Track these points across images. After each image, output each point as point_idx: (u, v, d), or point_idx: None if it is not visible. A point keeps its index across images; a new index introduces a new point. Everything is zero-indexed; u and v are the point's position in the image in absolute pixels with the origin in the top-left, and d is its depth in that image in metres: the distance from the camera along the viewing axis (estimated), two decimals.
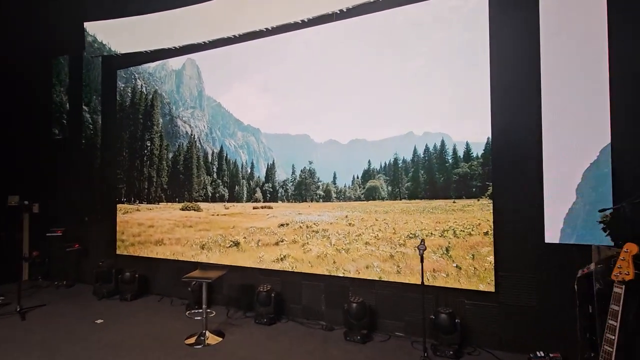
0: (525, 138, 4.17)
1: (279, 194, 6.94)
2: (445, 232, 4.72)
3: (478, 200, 4.69)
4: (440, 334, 4.24)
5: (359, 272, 5.28)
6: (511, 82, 4.25)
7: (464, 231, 4.59)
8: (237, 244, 6.40)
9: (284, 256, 5.26)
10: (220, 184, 7.58)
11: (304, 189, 6.98)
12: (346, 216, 6.27)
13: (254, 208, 6.78)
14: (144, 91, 8.57)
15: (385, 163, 6.55)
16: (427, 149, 5.81)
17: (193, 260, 6.96)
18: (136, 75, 8.67)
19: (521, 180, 4.35)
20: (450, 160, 5.22)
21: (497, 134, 4.63)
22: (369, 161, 6.66)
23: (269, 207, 7.15)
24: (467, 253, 4.72)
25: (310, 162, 7.18)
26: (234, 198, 7.05)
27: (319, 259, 5.71)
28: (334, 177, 7.20)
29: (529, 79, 4.02)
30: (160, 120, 8.57)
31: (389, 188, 6.30)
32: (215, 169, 7.42)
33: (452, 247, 4.77)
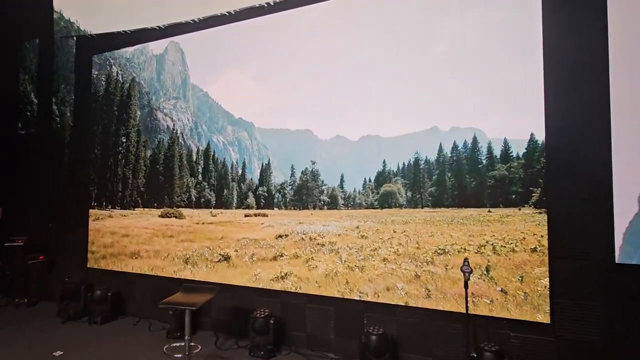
0: (589, 136, 3.48)
1: (276, 200, 5.98)
2: (482, 247, 3.62)
3: (519, 209, 3.64)
4: None
5: (377, 295, 4.58)
6: (571, 68, 3.56)
7: (505, 247, 3.56)
8: (227, 258, 5.29)
9: (285, 274, 4.16)
10: (206, 186, 6.52)
11: (306, 193, 6.01)
12: (357, 227, 5.25)
13: (245, 216, 5.70)
14: (120, 79, 7.67)
15: (403, 164, 5.63)
16: (455, 147, 4.90)
17: (176, 276, 6.27)
18: (111, 60, 7.75)
19: (583, 186, 3.62)
20: (484, 161, 4.25)
21: (552, 130, 3.90)
22: (384, 161, 5.75)
23: (264, 215, 6.15)
24: (513, 274, 4.06)
25: (313, 162, 6.23)
26: (222, 204, 6.01)
27: (327, 278, 5.07)
28: (342, 180, 6.31)
29: (595, 64, 3.34)
30: (138, 112, 7.68)
31: (408, 194, 5.35)
32: (200, 170, 6.39)
33: (492, 267, 4.19)
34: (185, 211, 6.31)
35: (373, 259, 4.43)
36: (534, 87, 3.66)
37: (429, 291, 4.23)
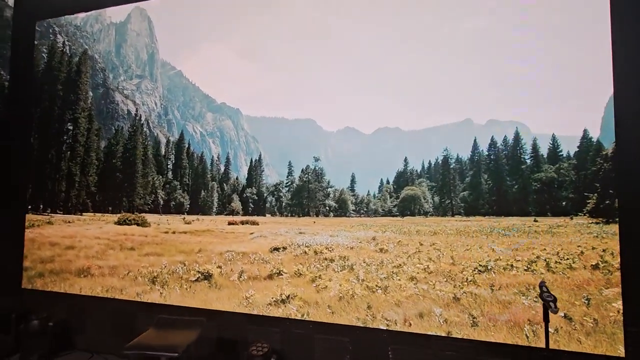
0: None
1: (268, 204, 4.94)
2: (533, 264, 2.49)
3: (571, 218, 2.55)
4: None
5: (409, 323, 3.78)
6: None
7: (560, 263, 2.52)
8: (208, 276, 4.03)
9: (288, 296, 4.44)
10: (178, 187, 5.30)
11: (307, 197, 5.11)
12: (374, 238, 4.23)
13: (230, 223, 4.46)
14: (67, 52, 6.34)
15: (429, 163, 4.81)
16: (493, 143, 4.08)
17: (140, 300, 5.11)
18: (56, 28, 6.42)
19: None
20: (528, 161, 3.32)
21: (625, 125, 3.15)
22: (405, 159, 4.88)
23: (253, 223, 5.05)
24: (576, 296, 3.38)
25: (317, 159, 5.30)
26: (199, 208, 4.95)
27: (342, 301, 4.22)
28: (352, 182, 5.42)
29: None
30: (90, 93, 6.37)
31: (436, 199, 4.53)
32: (170, 166, 5.18)
33: (550, 288, 3.17)
34: (150, 217, 4.99)
35: (398, 277, 3.42)
36: (594, 76, 2.70)
37: (474, 317, 3.57)
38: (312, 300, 4.21)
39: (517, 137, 3.83)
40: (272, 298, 4.43)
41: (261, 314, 4.46)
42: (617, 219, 3.28)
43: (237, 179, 4.76)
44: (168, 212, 5.00)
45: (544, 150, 3.38)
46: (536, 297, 3.54)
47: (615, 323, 3.19)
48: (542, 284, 2.86)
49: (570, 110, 3.28)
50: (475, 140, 3.70)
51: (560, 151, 3.52)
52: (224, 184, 4.84)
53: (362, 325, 4.02)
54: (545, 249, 3.39)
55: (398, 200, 4.16)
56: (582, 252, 3.25)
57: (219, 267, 4.63)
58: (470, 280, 3.60)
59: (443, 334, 3.67)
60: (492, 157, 4.03)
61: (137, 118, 5.26)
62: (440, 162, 3.97)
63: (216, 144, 4.97)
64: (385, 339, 3.91)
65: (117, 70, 5.36)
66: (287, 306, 4.23)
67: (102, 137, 5.37)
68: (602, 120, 3.75)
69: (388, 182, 4.50)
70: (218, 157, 4.97)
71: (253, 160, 4.70)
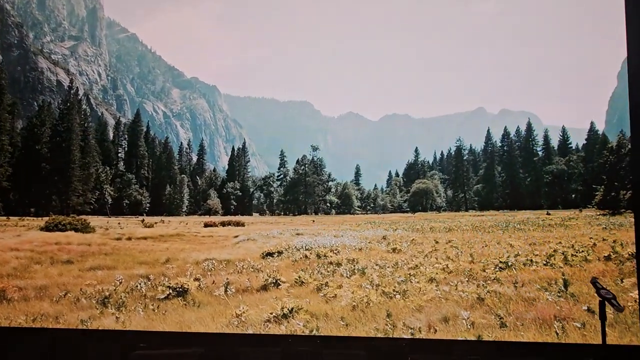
0: None
1: (256, 201, 3.56)
2: (551, 258, 1.91)
3: (580, 210, 2.00)
4: None
5: (434, 330, 3.20)
6: None
7: (576, 256, 2.03)
8: (182, 291, 2.75)
9: (290, 310, 3.44)
10: (134, 181, 3.62)
11: (303, 192, 4.19)
12: (384, 237, 3.37)
13: (206, 225, 3.07)
14: None
15: (441, 153, 4.22)
16: (506, 134, 3.57)
17: (87, 327, 3.44)
18: None
19: None
20: (540, 153, 2.69)
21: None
22: (416, 150, 4.18)
23: (238, 224, 4.02)
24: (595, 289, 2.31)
25: (315, 148, 4.66)
26: (163, 208, 3.35)
27: (356, 311, 3.50)
28: (357, 174, 4.65)
29: None
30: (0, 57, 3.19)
31: (449, 192, 3.82)
32: (122, 155, 3.47)
33: (570, 281, 3.44)
34: (94, 220, 3.46)
35: (416, 279, 2.73)
36: (605, 69, 2.00)
37: (501, 318, 3.21)
38: (320, 313, 3.36)
39: (529, 128, 3.26)
40: (271, 313, 3.44)
41: (259, 332, 3.50)
42: (631, 210, 2.69)
43: (214, 170, 3.38)
44: (119, 212, 3.44)
45: (554, 142, 2.73)
46: (559, 292, 2.93)
47: (634, 313, 2.94)
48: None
49: (578, 103, 2.52)
50: (488, 131, 2.90)
51: (570, 143, 2.99)
52: (197, 178, 3.36)
53: (378, 335, 3.31)
54: (560, 242, 2.89)
55: (409, 194, 3.14)
56: (594, 244, 2.81)
57: (197, 279, 3.47)
58: (494, 279, 2.96)
59: (473, 338, 3.11)
60: (505, 148, 3.43)
61: (73, 92, 3.54)
62: (454, 153, 3.05)
63: (185, 127, 3.39)
64: (404, 348, 3.11)
65: (39, 28, 3.41)
66: (291, 322, 3.26)
67: (19, 116, 3.44)
68: (607, 114, 3.26)
69: (397, 175, 3.68)
70: (189, 145, 3.44)
71: (236, 149, 3.29)
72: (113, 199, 4.15)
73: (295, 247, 4.05)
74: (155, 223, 4.21)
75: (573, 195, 3.99)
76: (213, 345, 3.75)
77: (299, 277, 3.85)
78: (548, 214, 4.02)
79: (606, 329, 3.36)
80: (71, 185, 3.78)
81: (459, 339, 3.39)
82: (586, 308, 3.43)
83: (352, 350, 3.57)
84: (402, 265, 3.74)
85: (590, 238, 3.59)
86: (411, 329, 3.57)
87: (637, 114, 3.20)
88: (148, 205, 4.13)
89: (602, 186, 4.55)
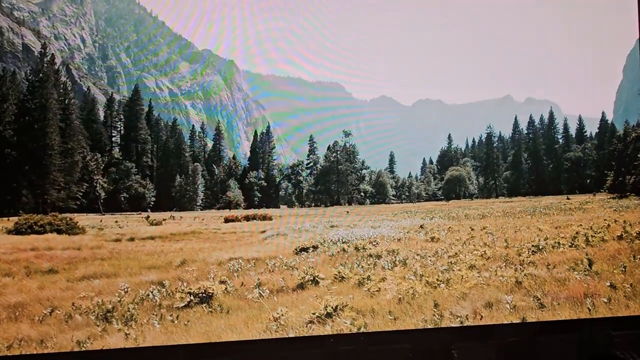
0: None
1: (283, 191, 2.79)
2: (575, 239, 1.90)
3: (594, 195, 2.03)
4: None
5: (480, 316, 2.86)
6: None
7: (595, 237, 2.08)
8: (206, 297, 2.07)
9: (335, 308, 2.94)
10: (134, 170, 2.57)
11: (335, 180, 3.62)
12: (422, 226, 3.04)
13: (227, 220, 2.27)
14: None
15: (473, 140, 3.91)
16: (531, 122, 3.38)
17: (86, 348, 2.56)
18: None
19: None
20: (560, 140, 2.56)
21: None
22: (449, 136, 3.76)
23: (264, 218, 3.34)
24: (614, 265, 3.10)
25: (347, 134, 4.26)
26: (173, 202, 2.41)
27: (403, 303, 3.07)
28: (391, 162, 4.25)
29: None
30: None
31: (480, 179, 3.48)
32: (118, 138, 2.43)
33: (593, 260, 3.21)
34: (83, 219, 2.50)
35: (457, 267, 2.42)
36: (613, 62, 1.88)
37: (538, 299, 3.00)
38: (366, 308, 2.92)
39: (551, 117, 3.02)
40: (313, 314, 2.87)
41: (301, 335, 2.90)
42: (634, 194, 2.62)
43: (234, 158, 2.54)
44: (116, 208, 2.58)
45: (572, 131, 2.58)
46: (585, 271, 3.26)
47: None
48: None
49: (592, 94, 2.33)
50: (515, 119, 2.54)
51: (585, 131, 2.84)
52: (214, 166, 2.50)
53: (427, 327, 2.88)
54: (581, 225, 2.81)
55: (443, 182, 2.63)
56: (608, 225, 2.79)
57: (222, 282, 2.78)
58: (529, 262, 2.73)
59: (517, 321, 2.83)
60: (530, 136, 3.17)
61: (47, 59, 2.35)
62: (484, 140, 2.62)
63: (197, 108, 2.50)
64: (447, 338, 2.78)
65: None
66: (336, 320, 2.72)
67: None
68: (614, 104, 3.21)
69: (431, 162, 3.21)
70: (202, 128, 2.52)
71: (259, 133, 2.45)
72: (107, 192, 3.24)
73: (332, 240, 3.60)
74: (164, 220, 3.42)
75: (588, 181, 4.26)
76: (248, 353, 3.06)
77: (339, 272, 3.38)
78: (568, 198, 4.29)
79: (628, 302, 3.29)
80: (48, 177, 2.80)
81: (492, 324, 3.04)
82: (609, 284, 3.51)
83: (397, 345, 3.17)
84: (442, 254, 3.50)
85: (605, 220, 3.83)
86: (459, 317, 3.31)
87: None
88: (153, 199, 3.29)
89: (612, 172, 5.04)
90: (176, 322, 3.33)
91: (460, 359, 3.28)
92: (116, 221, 3.82)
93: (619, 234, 4.28)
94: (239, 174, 5.16)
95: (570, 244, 4.06)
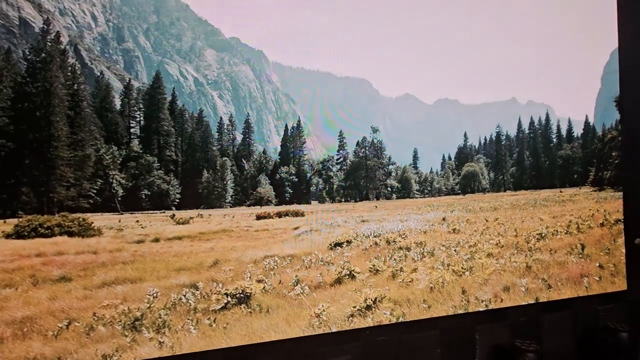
0: None
1: (314, 187, 2.78)
2: (569, 227, 2.35)
3: (580, 188, 2.63)
4: None
5: (500, 299, 3.02)
6: None
7: (584, 224, 2.56)
8: (244, 297, 1.93)
9: (374, 300, 2.87)
10: (156, 165, 2.30)
11: (364, 176, 3.48)
12: (444, 219, 3.14)
13: (259, 217, 2.18)
14: None
15: (485, 139, 4.07)
16: (532, 123, 3.66)
17: None
18: None
19: None
20: (554, 140, 3.08)
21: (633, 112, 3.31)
22: (465, 134, 3.96)
23: (297, 214, 3.06)
24: (600, 249, 3.35)
25: (375, 130, 3.98)
26: (200, 199, 2.29)
27: (434, 292, 3.05)
28: (415, 158, 4.04)
29: None
30: None
31: (491, 175, 3.74)
32: (138, 129, 2.09)
33: (584, 245, 3.43)
34: (98, 219, 2.10)
35: (478, 256, 2.53)
36: (595, 71, 2.42)
37: (545, 281, 3.21)
38: (402, 299, 2.80)
39: (547, 119, 3.24)
40: (354, 307, 2.69)
41: (343, 329, 2.81)
42: (610, 187, 3.09)
43: (264, 153, 2.30)
44: (136, 207, 2.15)
45: (563, 131, 2.81)
46: (579, 254, 3.50)
47: (620, 264, 3.33)
48: None
49: (580, 98, 2.70)
50: (519, 120, 2.78)
51: (573, 132, 3.12)
52: (243, 161, 2.26)
53: (453, 313, 2.98)
54: (572, 214, 3.02)
55: (459, 177, 2.72)
56: (593, 214, 3.04)
57: (260, 281, 2.50)
58: (536, 248, 2.89)
59: (532, 301, 3.05)
60: (531, 135, 3.36)
61: (51, 37, 1.83)
62: (494, 138, 2.80)
63: (225, 100, 2.24)
64: (470, 322, 2.92)
65: None
66: (376, 312, 2.60)
67: None
68: (595, 109, 3.62)
69: (450, 158, 3.20)
70: (231, 121, 2.23)
71: (289, 127, 2.28)
72: (125, 189, 2.64)
73: (364, 234, 3.39)
74: (191, 218, 2.91)
75: (575, 176, 4.56)
76: (290, 352, 2.82)
77: (373, 265, 3.22)
78: (561, 191, 4.52)
79: (614, 279, 3.54)
80: (54, 172, 2.22)
81: (532, 302, 3.12)
82: (598, 265, 3.80)
83: (426, 332, 3.13)
84: (463, 244, 3.50)
85: (590, 210, 4.09)
86: (483, 301, 3.39)
87: (622, 109, 3.38)
88: (178, 196, 2.76)
89: (594, 168, 5.47)
90: (214, 325, 2.95)
91: (481, 339, 3.30)
92: (137, 220, 3.20)
93: (601, 222, 4.73)
94: (269, 170, 4.48)
95: (565, 232, 4.41)
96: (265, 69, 3.02)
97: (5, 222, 2.38)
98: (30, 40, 2.32)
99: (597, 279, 4.58)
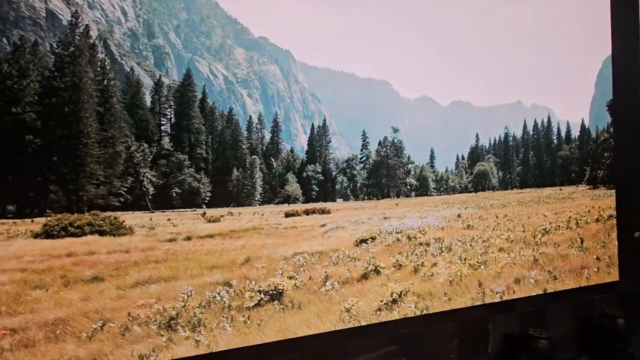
0: None
1: (339, 185, 2.87)
2: (569, 222, 2.64)
3: (577, 186, 4.20)
4: None
5: (512, 291, 3.10)
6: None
7: (581, 220, 2.82)
8: (276, 294, 1.95)
9: (400, 294, 2.84)
10: (187, 163, 2.21)
11: (385, 174, 3.37)
12: (459, 215, 3.23)
13: (287, 215, 2.17)
14: None
15: (494, 139, 4.10)
16: (535, 124, 3.86)
17: None
18: None
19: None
20: (555, 141, 3.39)
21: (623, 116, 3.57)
22: (477, 135, 3.98)
23: (323, 211, 2.94)
24: (596, 242, 3.47)
25: (395, 130, 3.66)
26: (230, 197, 2.21)
27: (453, 285, 3.04)
28: (432, 157, 4.03)
29: None
30: None
31: (500, 173, 3.88)
32: (168, 127, 1.99)
33: (583, 239, 3.48)
34: (129, 217, 2.00)
35: (491, 250, 2.68)
36: (589, 76, 2.68)
37: (551, 273, 3.28)
38: (425, 292, 2.89)
39: (549, 121, 3.47)
40: (381, 301, 2.73)
41: (371, 322, 2.76)
42: (603, 185, 3.32)
43: (291, 151, 2.31)
44: (166, 205, 2.04)
45: (563, 133, 3.06)
46: (579, 248, 3.45)
47: (613, 256, 3.41)
48: None
49: (577, 103, 2.91)
50: (524, 122, 3.05)
51: (571, 134, 3.38)
52: (272, 159, 2.27)
53: (471, 305, 2.97)
54: (572, 211, 3.21)
55: (472, 175, 2.91)
56: (589, 211, 3.24)
57: (291, 277, 2.48)
58: (542, 243, 3.48)
59: (541, 292, 3.14)
60: (535, 136, 3.56)
61: (81, 31, 1.71)
62: (502, 139, 3.04)
63: (254, 98, 2.18)
64: (484, 313, 3.03)
65: None
66: (402, 305, 2.66)
67: None
68: (589, 113, 3.81)
69: (463, 158, 3.33)
70: (260, 119, 2.20)
71: (316, 126, 2.29)
72: (156, 187, 2.48)
73: (387, 231, 3.36)
74: (222, 216, 2.78)
75: (573, 175, 4.61)
76: (319, 348, 2.82)
77: (397, 260, 3.22)
78: (561, 189, 4.51)
79: (610, 270, 3.72)
80: (84, 169, 2.03)
81: (540, 293, 3.20)
82: (595, 257, 3.98)
83: (444, 324, 3.22)
84: (477, 239, 3.55)
85: (586, 206, 4.20)
86: (497, 292, 3.45)
87: (615, 112, 3.59)
88: (208, 194, 2.61)
89: (589, 167, 5.47)
90: (249, 322, 2.87)
91: (494, 330, 3.38)
92: (168, 219, 3.06)
93: (596, 217, 4.91)
94: (297, 168, 4.40)
95: (566, 227, 4.58)
96: (293, 68, 2.93)
97: (32, 221, 2.19)
98: (57, 34, 2.12)
99: (596, 270, 4.84)
